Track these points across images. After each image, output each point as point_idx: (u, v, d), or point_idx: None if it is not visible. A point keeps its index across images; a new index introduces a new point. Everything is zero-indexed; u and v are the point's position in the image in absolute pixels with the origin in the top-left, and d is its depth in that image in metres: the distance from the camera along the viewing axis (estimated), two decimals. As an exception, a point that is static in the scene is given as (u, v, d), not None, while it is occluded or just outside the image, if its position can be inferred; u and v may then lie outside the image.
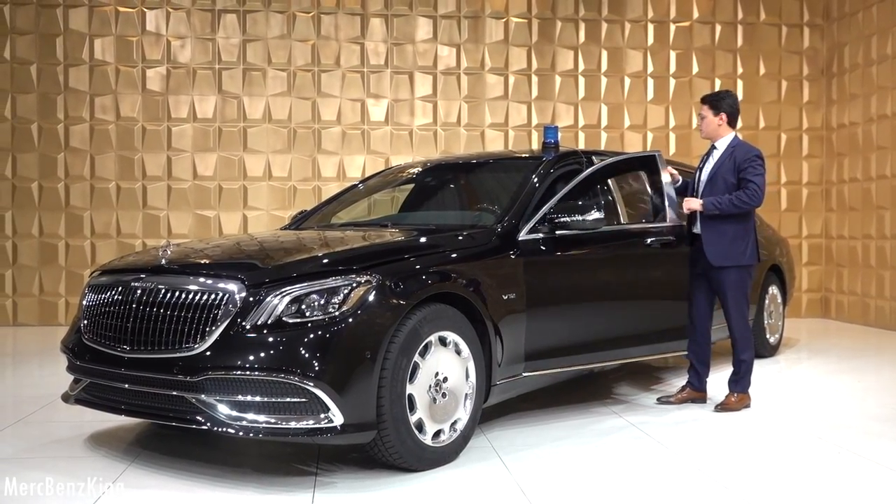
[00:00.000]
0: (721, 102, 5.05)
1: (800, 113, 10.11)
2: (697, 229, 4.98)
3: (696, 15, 9.97)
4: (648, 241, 5.22)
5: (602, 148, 9.50)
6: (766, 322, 6.83)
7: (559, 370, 4.62)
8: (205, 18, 9.33)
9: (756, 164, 4.87)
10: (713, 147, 5.06)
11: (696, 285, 5.08)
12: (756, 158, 4.90)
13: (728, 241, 4.87)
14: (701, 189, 5.00)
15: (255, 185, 9.34)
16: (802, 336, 8.41)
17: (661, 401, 5.16)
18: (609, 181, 5.34)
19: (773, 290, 6.99)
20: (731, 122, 5.05)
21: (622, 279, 5.13)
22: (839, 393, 5.63)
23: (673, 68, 9.93)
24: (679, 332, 5.23)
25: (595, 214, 4.55)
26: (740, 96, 9.96)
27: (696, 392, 5.15)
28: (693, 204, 4.91)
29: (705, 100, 5.10)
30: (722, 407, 4.96)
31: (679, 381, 5.51)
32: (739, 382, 5.03)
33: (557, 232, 4.54)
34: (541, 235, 4.50)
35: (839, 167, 9.75)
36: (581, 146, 9.41)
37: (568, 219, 4.47)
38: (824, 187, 10.08)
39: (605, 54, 9.85)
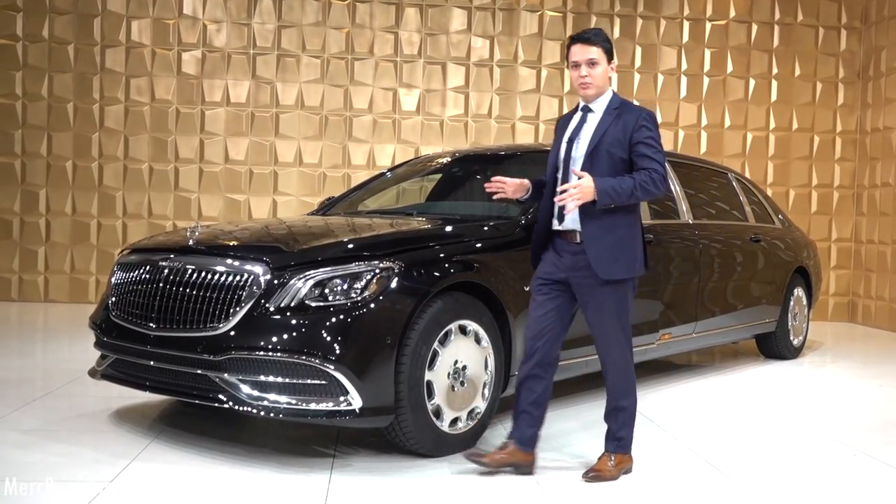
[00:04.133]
0: (609, 46, 3.55)
1: (834, 116, 10.01)
2: (558, 224, 3.55)
3: (732, 14, 9.90)
4: (672, 236, 5.23)
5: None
6: (790, 324, 6.80)
7: (578, 362, 4.65)
8: (241, 3, 9.41)
9: (653, 132, 3.48)
10: (587, 109, 3.57)
11: (547, 299, 3.55)
12: (650, 121, 3.50)
13: (618, 245, 3.46)
14: (578, 168, 3.46)
15: (285, 171, 9.42)
16: (827, 339, 8.35)
17: (471, 457, 3.55)
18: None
19: (799, 292, 6.95)
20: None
21: (644, 274, 5.14)
22: (860, 397, 5.60)
23: (707, 67, 9.87)
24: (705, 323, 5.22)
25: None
26: (774, 97, 9.91)
27: (521, 453, 3.57)
28: (583, 194, 3.30)
29: (594, 40, 3.50)
30: (595, 475, 3.53)
31: (698, 381, 5.51)
32: (620, 440, 3.61)
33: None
34: (565, 229, 4.51)
35: (872, 171, 9.65)
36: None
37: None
38: (856, 191, 9.98)
39: (639, 50, 9.81)
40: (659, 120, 9.62)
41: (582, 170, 3.42)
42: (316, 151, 9.46)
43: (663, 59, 9.85)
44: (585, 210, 3.40)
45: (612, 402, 3.61)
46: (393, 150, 9.52)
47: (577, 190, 3.29)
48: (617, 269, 3.45)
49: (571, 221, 3.48)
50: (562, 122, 3.72)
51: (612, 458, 3.59)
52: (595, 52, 3.48)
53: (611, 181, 3.34)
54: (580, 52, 3.49)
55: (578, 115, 3.61)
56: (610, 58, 3.53)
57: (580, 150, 3.50)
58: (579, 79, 3.51)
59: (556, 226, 3.55)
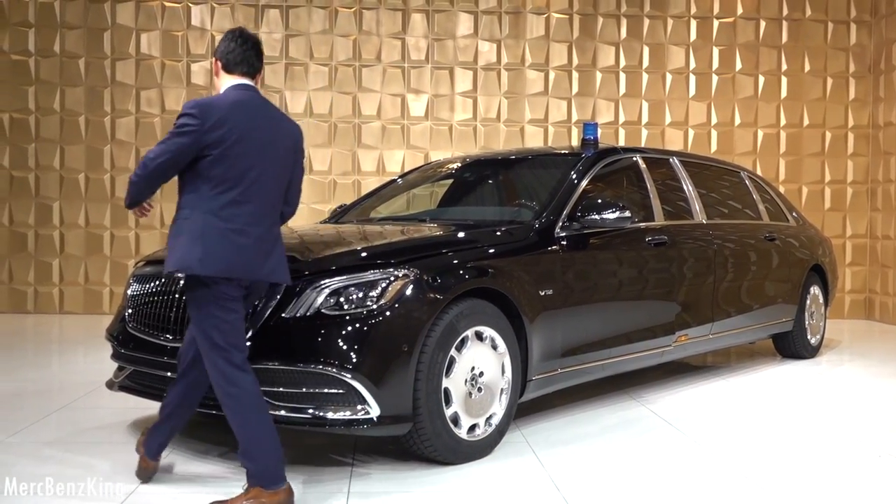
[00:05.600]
0: (219, 45, 3.39)
1: (845, 111, 9.96)
2: None
3: (739, 11, 9.87)
4: (686, 237, 5.22)
5: (643, 145, 9.45)
6: (807, 323, 6.76)
7: (596, 365, 4.63)
8: (248, 13, 9.44)
9: (178, 121, 3.13)
10: None
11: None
12: (184, 110, 3.14)
13: (177, 236, 3.15)
14: None
15: (296, 179, 9.41)
16: (844, 337, 8.31)
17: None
18: (648, 178, 5.34)
19: (815, 290, 6.91)
20: (228, 68, 3.33)
21: (660, 275, 5.13)
22: (881, 396, 5.56)
23: (716, 65, 9.84)
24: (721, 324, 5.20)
25: (631, 211, 4.57)
26: (784, 93, 9.85)
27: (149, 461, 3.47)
28: None
29: None
30: None
31: (716, 382, 5.44)
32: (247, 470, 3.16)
33: (594, 228, 4.54)
34: (579, 232, 4.50)
35: (885, 166, 9.59)
36: (621, 143, 9.37)
37: (604, 215, 4.47)
38: (870, 186, 9.92)
39: (646, 50, 9.79)
40: (668, 120, 9.62)
41: None
42: (325, 159, 9.47)
43: (671, 59, 9.82)
44: None
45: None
46: (402, 155, 9.53)
47: None
48: (175, 262, 3.12)
49: None
50: None
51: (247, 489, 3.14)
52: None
53: None
54: None
55: None
56: (215, 58, 3.37)
57: None
58: None
59: None
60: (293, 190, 3.39)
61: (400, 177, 6.00)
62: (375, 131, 9.52)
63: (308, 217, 9.30)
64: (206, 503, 3.16)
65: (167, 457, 3.82)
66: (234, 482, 3.48)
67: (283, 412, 3.48)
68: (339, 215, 5.56)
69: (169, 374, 3.78)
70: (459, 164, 5.81)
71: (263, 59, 3.46)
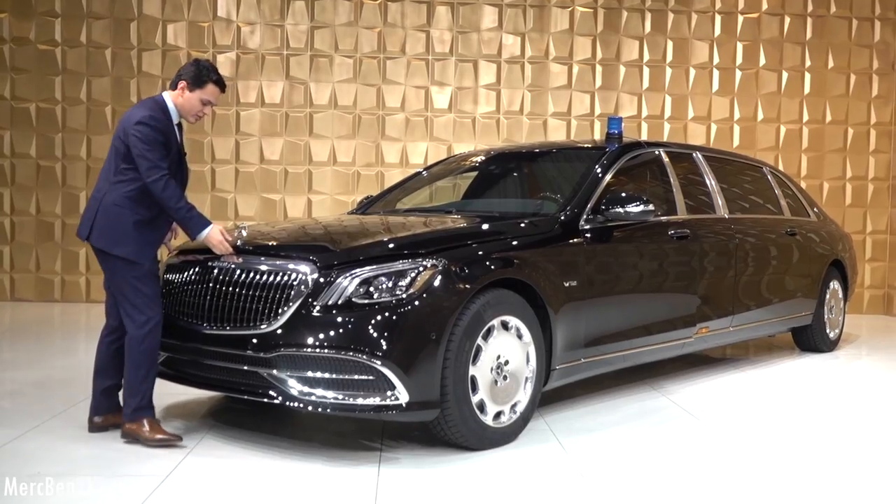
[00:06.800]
0: None
1: (868, 107, 9.95)
2: None
3: (764, 7, 9.87)
4: (708, 230, 5.26)
5: (665, 139, 9.48)
6: (826, 317, 6.80)
7: (618, 356, 4.70)
8: (274, 5, 9.53)
9: None
10: (180, 126, 4.14)
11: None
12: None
13: None
14: None
15: (319, 170, 9.53)
16: (863, 332, 8.33)
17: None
18: (671, 172, 5.39)
19: (835, 285, 6.94)
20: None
21: (681, 268, 5.18)
22: (900, 390, 5.61)
23: (739, 60, 9.85)
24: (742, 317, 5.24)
25: (654, 205, 4.62)
26: (807, 89, 9.86)
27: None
28: None
29: None
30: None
31: (735, 374, 5.46)
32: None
33: (618, 221, 4.61)
34: (603, 224, 4.57)
35: (907, 163, 9.60)
36: (644, 137, 9.41)
37: (628, 209, 4.53)
38: (891, 183, 9.92)
39: (670, 45, 9.81)
40: (691, 115, 9.63)
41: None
42: (349, 150, 9.56)
43: (695, 53, 9.84)
44: None
45: None
46: (426, 147, 9.60)
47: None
48: None
49: None
50: (167, 128, 3.97)
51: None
52: None
53: None
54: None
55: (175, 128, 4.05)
56: None
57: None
58: (202, 112, 4.09)
59: None
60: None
61: (425, 169, 6.08)
62: (399, 123, 9.60)
63: (332, 207, 9.40)
64: (243, 480, 3.26)
65: (201, 440, 3.93)
66: (266, 459, 3.59)
67: (313, 397, 3.57)
68: (365, 206, 5.65)
69: (203, 360, 3.89)
70: (484, 157, 5.88)
71: (183, 72, 4.03)
